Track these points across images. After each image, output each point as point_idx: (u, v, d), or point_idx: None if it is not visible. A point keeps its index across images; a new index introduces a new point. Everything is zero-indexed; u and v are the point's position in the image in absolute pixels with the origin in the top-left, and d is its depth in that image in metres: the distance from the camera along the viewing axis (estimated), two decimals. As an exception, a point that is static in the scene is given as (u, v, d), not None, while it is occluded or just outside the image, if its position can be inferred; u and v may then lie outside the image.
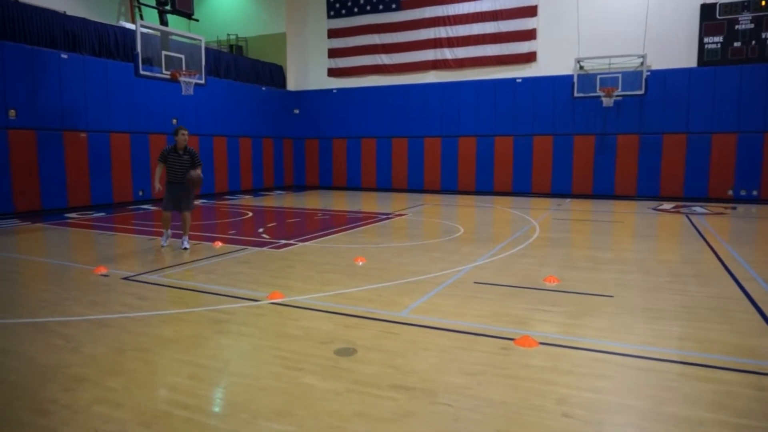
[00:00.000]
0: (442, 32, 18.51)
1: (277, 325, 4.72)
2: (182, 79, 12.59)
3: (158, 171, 8.11)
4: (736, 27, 14.93)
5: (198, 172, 8.04)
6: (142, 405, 3.19)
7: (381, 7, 19.31)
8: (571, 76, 16.21)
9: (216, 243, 8.53)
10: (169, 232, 8.35)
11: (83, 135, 13.45)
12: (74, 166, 13.24)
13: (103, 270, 6.64)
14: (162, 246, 8.21)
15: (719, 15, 15.03)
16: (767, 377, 3.58)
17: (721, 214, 12.81)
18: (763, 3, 14.51)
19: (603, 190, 16.75)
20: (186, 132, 8.04)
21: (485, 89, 17.99)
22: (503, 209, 13.96)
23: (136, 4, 19.23)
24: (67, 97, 13.04)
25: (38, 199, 12.52)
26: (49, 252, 8.33)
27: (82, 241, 9.43)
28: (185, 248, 8.09)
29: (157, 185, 8.16)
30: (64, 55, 12.94)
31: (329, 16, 20.38)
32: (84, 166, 13.50)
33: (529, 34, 17.36)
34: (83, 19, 13.89)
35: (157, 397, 3.32)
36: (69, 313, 4.97)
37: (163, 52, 12.34)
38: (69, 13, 14.33)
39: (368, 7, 19.56)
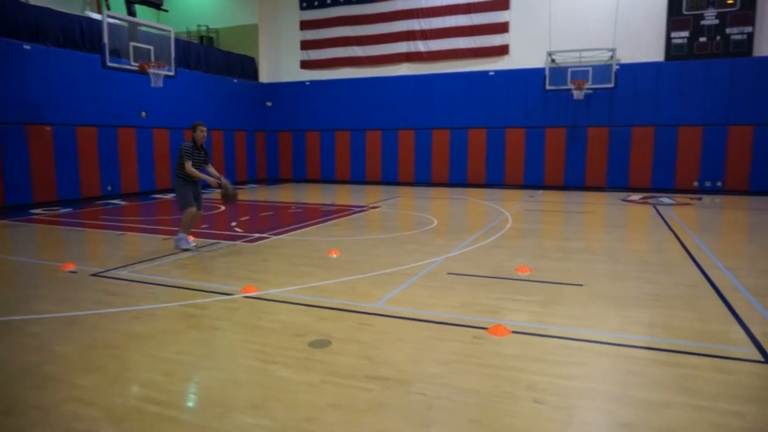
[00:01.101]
0: (416, 24, 18.51)
1: (250, 318, 4.69)
2: (151, 71, 12.33)
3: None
4: (702, 22, 15.28)
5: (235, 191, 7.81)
6: (114, 402, 3.15)
7: (354, -2, 19.21)
8: (542, 69, 16.40)
9: (188, 237, 8.40)
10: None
11: (48, 129, 13.08)
12: (39, 160, 12.87)
13: (71, 266, 6.49)
14: (189, 248, 7.51)
15: (685, 10, 15.36)
16: (728, 360, 3.71)
17: (687, 204, 13.16)
18: (729, 1, 14.87)
19: (574, 182, 17.04)
20: (205, 128, 7.52)
21: (458, 82, 18.07)
22: (476, 201, 14.09)
23: (102, -7, 18.73)
24: (30, 89, 12.64)
25: (1, 195, 12.13)
26: (14, 249, 8.10)
27: (48, 237, 9.19)
28: (192, 247, 7.74)
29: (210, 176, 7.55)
30: (26, 46, 12.53)
31: (302, 8, 20.17)
32: (49, 161, 13.13)
33: (502, 27, 17.49)
34: (46, 9, 13.46)
35: (129, 394, 3.27)
36: (36, 311, 4.85)
37: (131, 44, 12.07)
38: (31, 2, 13.88)
39: (341, -1, 19.43)
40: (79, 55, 13.72)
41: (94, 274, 6.18)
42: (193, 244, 7.72)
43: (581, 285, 5.69)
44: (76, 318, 4.67)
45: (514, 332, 4.22)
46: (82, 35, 14.12)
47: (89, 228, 9.86)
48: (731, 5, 14.92)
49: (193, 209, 7.54)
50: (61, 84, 13.33)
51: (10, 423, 2.92)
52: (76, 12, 16.03)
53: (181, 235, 7.60)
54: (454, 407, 3.08)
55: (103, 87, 14.26)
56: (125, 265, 6.64)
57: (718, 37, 15.18)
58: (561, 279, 5.94)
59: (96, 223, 10.38)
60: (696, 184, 15.84)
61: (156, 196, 15.39)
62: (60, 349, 3.96)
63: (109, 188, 14.63)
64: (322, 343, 4.04)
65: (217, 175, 7.71)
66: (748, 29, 14.86)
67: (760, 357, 3.75)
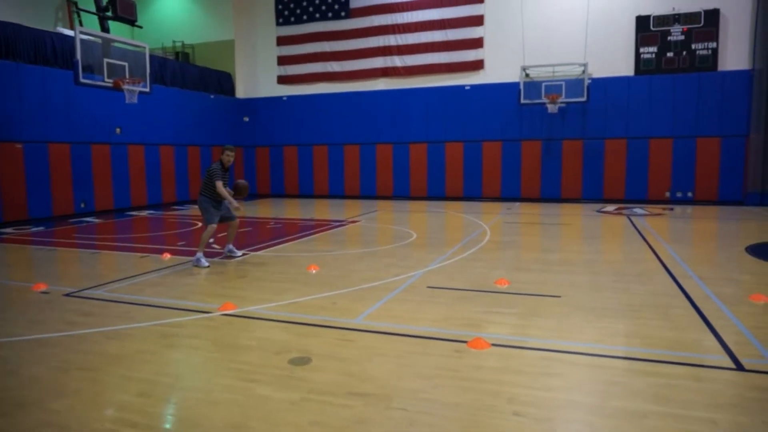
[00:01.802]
0: (392, 40, 18.69)
1: (229, 336, 4.63)
2: (126, 87, 12.20)
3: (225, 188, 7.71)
4: (669, 38, 15.77)
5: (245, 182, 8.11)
6: (89, 426, 3.07)
7: (330, 14, 19.33)
8: (517, 84, 16.68)
9: (164, 255, 8.29)
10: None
11: (19, 146, 12.81)
12: (9, 178, 12.58)
13: (42, 287, 6.34)
14: (207, 266, 7.44)
15: (653, 27, 15.83)
16: (703, 369, 3.79)
17: (660, 215, 13.44)
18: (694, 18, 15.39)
19: (550, 194, 17.28)
20: (232, 151, 7.75)
21: (435, 96, 18.27)
22: (455, 214, 14.19)
23: (74, 9, 18.56)
24: (0, 106, 12.39)
25: (-30, 213, 11.83)
26: (-17, 269, 7.88)
27: (19, 257, 8.97)
28: (239, 256, 8.07)
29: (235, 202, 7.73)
30: (-4, 62, 12.32)
31: (278, 24, 20.22)
32: (20, 179, 12.84)
33: (477, 43, 17.76)
34: (17, 25, 13.24)
35: (104, 417, 3.20)
36: (6, 334, 4.71)
37: (105, 60, 11.93)
38: (1, 18, 13.66)
39: (317, 15, 19.53)
40: (51, 72, 13.52)
41: (67, 295, 6.04)
42: (207, 264, 7.53)
43: (559, 297, 5.75)
44: (48, 340, 4.55)
45: (494, 345, 4.25)
46: (54, 51, 13.92)
47: (62, 247, 9.65)
48: (695, 22, 15.43)
49: (215, 226, 7.72)
50: (33, 101, 13.09)
51: (-21, 451, 2.83)
52: (48, 28, 15.82)
53: (199, 254, 7.57)
54: (436, 422, 3.08)
55: (76, 104, 14.04)
56: (100, 285, 6.51)
57: (684, 53, 15.66)
58: (539, 291, 6.00)
59: (69, 242, 10.16)
60: (668, 194, 16.21)
61: (131, 213, 15.15)
62: (31, 372, 3.85)
63: (83, 205, 14.36)
64: (302, 360, 4.00)
65: (235, 199, 7.87)
66: (713, 45, 15.37)
67: (732, 364, 3.83)
